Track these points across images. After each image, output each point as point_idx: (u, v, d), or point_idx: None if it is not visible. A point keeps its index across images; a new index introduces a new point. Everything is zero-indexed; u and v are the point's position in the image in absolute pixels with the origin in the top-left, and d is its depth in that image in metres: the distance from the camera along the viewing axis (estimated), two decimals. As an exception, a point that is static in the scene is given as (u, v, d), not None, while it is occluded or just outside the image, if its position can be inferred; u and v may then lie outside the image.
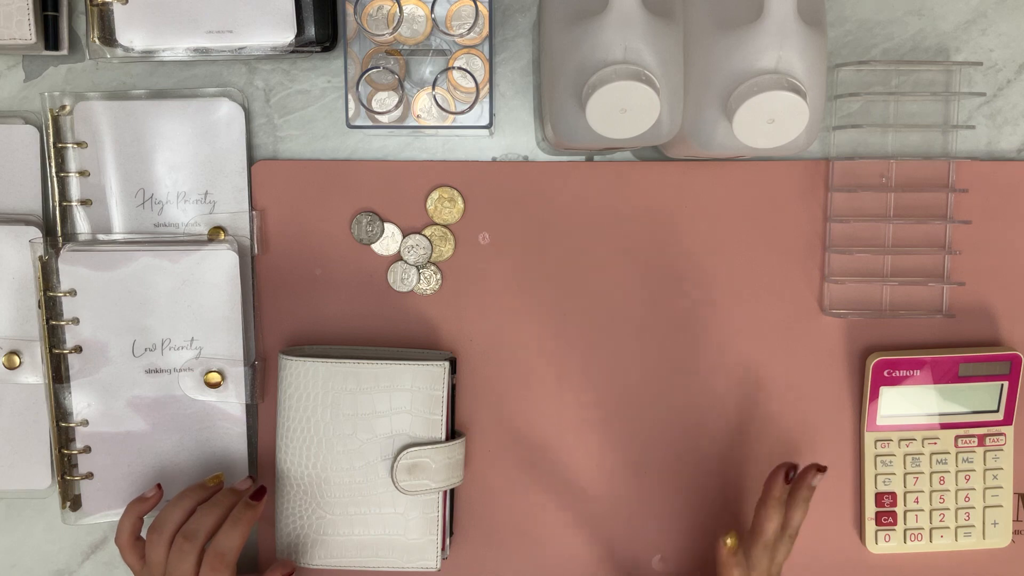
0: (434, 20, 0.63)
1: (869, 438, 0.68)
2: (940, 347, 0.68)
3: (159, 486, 0.65)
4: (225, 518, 0.61)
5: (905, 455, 0.68)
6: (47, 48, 0.66)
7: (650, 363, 0.69)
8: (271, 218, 0.68)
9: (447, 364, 0.65)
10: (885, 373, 0.67)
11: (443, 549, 0.66)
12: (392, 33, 0.63)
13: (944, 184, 0.68)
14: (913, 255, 0.68)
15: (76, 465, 0.67)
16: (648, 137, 0.56)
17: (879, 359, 0.67)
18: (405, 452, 0.64)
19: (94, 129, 0.66)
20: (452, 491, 0.67)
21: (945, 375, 0.67)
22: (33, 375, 0.67)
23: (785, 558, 0.63)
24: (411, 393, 0.64)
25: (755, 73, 0.53)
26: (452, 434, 0.66)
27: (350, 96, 0.64)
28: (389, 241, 0.68)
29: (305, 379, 0.64)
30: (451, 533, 0.68)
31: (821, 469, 0.63)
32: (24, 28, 0.64)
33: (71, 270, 0.65)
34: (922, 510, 0.68)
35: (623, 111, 0.53)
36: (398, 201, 0.68)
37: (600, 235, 0.68)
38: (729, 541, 0.62)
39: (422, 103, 0.65)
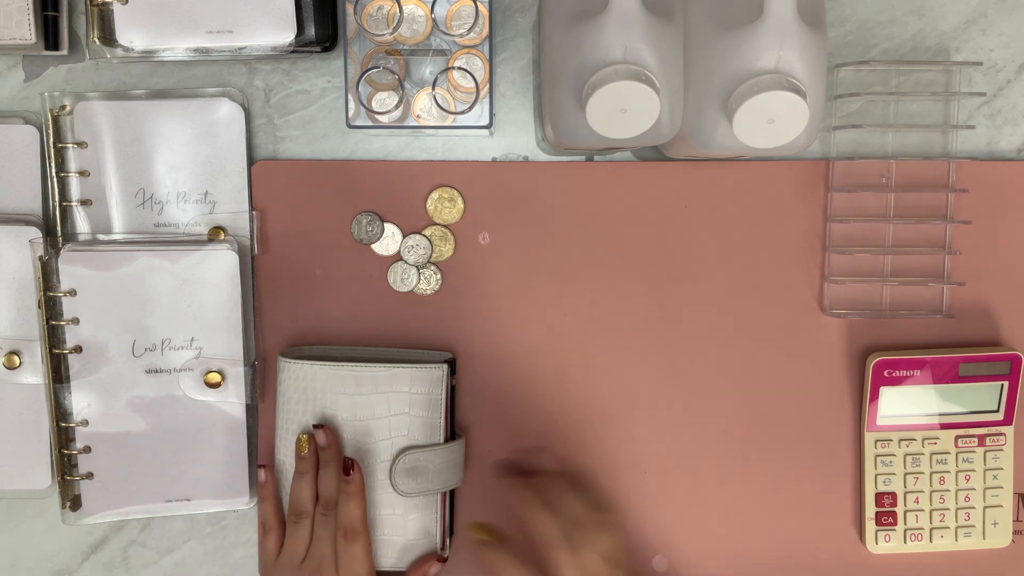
0: (434, 20, 0.63)
1: (869, 438, 0.68)
2: (940, 347, 0.68)
3: (266, 467, 0.66)
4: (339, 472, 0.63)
5: (905, 455, 0.68)
6: (47, 48, 0.66)
7: (650, 363, 0.69)
8: (271, 218, 0.68)
9: (446, 367, 0.65)
10: (885, 373, 0.67)
11: (443, 550, 0.66)
12: (392, 33, 0.63)
13: (944, 184, 0.68)
14: (913, 255, 0.68)
15: (76, 465, 0.67)
16: (648, 137, 0.56)
17: (879, 359, 0.67)
18: (403, 455, 0.64)
19: (94, 129, 0.66)
20: (452, 491, 0.67)
21: (945, 375, 0.67)
22: (33, 375, 0.67)
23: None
24: (410, 396, 0.64)
25: (755, 73, 0.53)
26: (452, 435, 0.66)
27: (350, 96, 0.64)
28: (389, 241, 0.68)
29: (304, 382, 0.64)
30: (451, 533, 0.68)
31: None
32: (24, 28, 0.64)
33: (71, 270, 0.65)
34: (922, 510, 0.68)
35: (623, 111, 0.53)
36: (398, 201, 0.68)
37: (600, 235, 0.68)
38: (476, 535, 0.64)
39: (422, 103, 0.65)
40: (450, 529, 0.67)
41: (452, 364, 0.66)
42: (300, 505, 0.63)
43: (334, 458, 0.63)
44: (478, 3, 0.63)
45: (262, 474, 0.66)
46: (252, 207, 0.68)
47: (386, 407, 0.64)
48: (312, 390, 0.64)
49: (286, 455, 0.65)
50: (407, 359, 0.65)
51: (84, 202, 0.67)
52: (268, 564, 0.64)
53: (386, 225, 0.68)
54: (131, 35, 0.64)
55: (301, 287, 0.68)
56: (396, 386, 0.64)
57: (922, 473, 0.68)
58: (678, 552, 0.69)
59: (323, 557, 0.62)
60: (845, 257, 0.68)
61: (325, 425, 0.64)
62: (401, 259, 0.68)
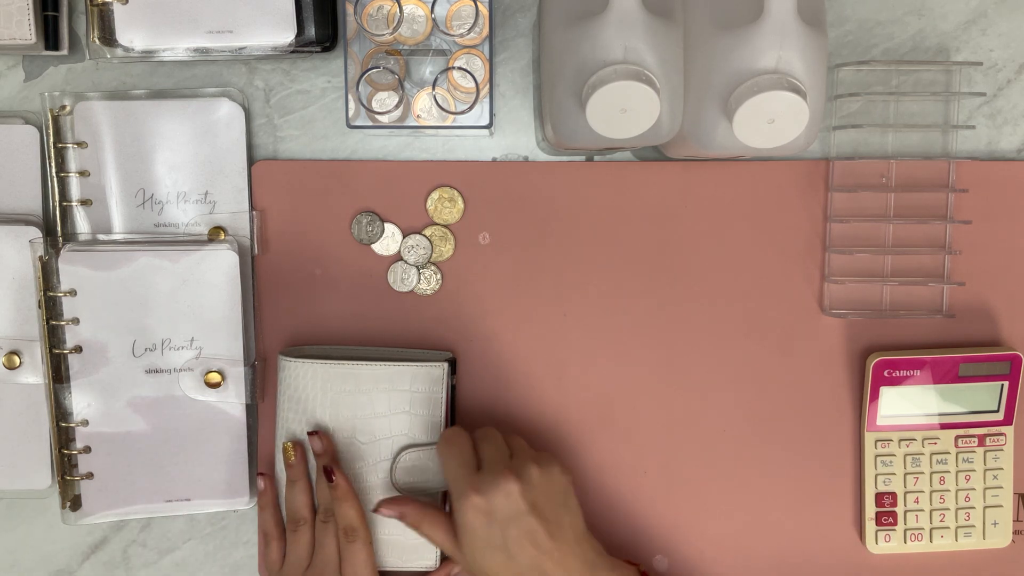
0: (434, 20, 0.63)
1: (869, 438, 0.68)
2: (940, 347, 0.68)
3: (265, 476, 0.67)
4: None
5: (905, 455, 0.68)
6: (47, 48, 0.66)
7: (649, 363, 0.69)
8: (271, 218, 0.68)
9: (446, 365, 0.65)
10: (885, 373, 0.67)
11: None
12: (392, 33, 0.63)
13: (944, 184, 0.68)
14: (913, 255, 0.68)
15: (76, 465, 0.67)
16: (648, 137, 0.56)
17: (879, 359, 0.67)
18: (404, 453, 0.64)
19: (94, 129, 0.66)
20: None
21: (945, 375, 0.67)
22: (33, 375, 0.67)
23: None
24: (410, 395, 0.64)
25: (755, 73, 0.53)
26: None
27: (350, 96, 0.64)
28: (389, 241, 0.68)
29: (304, 380, 0.64)
30: None
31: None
32: (24, 28, 0.64)
33: (71, 270, 0.65)
34: (922, 510, 0.68)
35: (623, 111, 0.53)
36: (398, 201, 0.68)
37: (600, 235, 0.68)
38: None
39: (422, 103, 0.65)
40: None
41: (452, 363, 0.66)
42: (296, 512, 0.64)
43: (328, 464, 0.63)
44: (478, 3, 0.63)
45: (261, 482, 0.66)
46: (252, 207, 0.68)
47: (387, 405, 0.64)
48: (313, 388, 0.64)
49: None
50: (408, 358, 0.65)
51: (84, 202, 0.67)
52: (273, 573, 0.64)
53: (386, 225, 0.68)
54: (131, 35, 0.64)
55: (301, 287, 0.68)
56: (397, 384, 0.64)
57: (922, 473, 0.68)
58: (678, 552, 0.69)
59: (326, 563, 0.62)
60: (845, 257, 0.68)
61: (319, 432, 0.64)
62: (401, 259, 0.68)
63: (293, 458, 0.64)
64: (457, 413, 0.68)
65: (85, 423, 0.67)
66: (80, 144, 0.66)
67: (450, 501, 0.61)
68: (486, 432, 0.63)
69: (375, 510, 0.63)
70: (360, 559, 0.62)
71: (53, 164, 0.66)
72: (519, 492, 0.58)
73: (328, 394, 0.64)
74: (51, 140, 0.66)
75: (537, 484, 0.58)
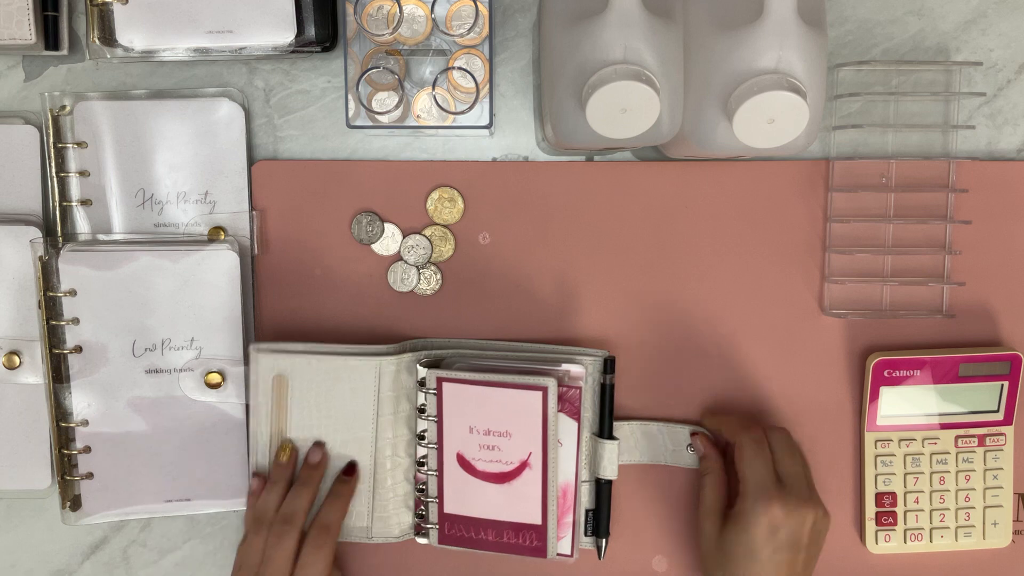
0: (434, 20, 0.63)
1: (869, 438, 0.68)
2: (940, 347, 0.68)
3: (259, 476, 0.66)
4: (314, 495, 0.64)
5: (905, 455, 0.68)
6: (47, 48, 0.66)
7: (650, 363, 0.69)
8: (271, 218, 0.68)
9: (600, 363, 0.66)
10: (885, 373, 0.67)
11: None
12: (392, 33, 0.63)
13: (944, 184, 0.68)
14: (913, 255, 0.68)
15: (76, 465, 0.67)
16: (648, 137, 0.56)
17: (879, 359, 0.67)
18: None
19: (94, 129, 0.66)
20: (608, 489, 0.67)
21: (945, 375, 0.67)
22: (33, 375, 0.67)
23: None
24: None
25: (755, 73, 0.53)
26: (610, 434, 0.66)
27: (350, 96, 0.64)
28: (389, 241, 0.68)
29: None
30: (605, 533, 0.67)
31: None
32: (24, 28, 0.64)
33: (71, 270, 0.65)
34: (922, 510, 0.68)
35: (623, 111, 0.53)
36: (398, 201, 0.68)
37: (600, 235, 0.68)
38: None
39: (422, 103, 0.65)
40: (595, 527, 0.67)
41: (610, 362, 0.66)
42: (266, 515, 0.63)
43: (316, 480, 0.64)
44: (478, 3, 0.63)
45: (254, 482, 0.66)
46: (252, 207, 0.68)
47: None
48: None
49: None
50: (558, 356, 0.65)
51: (84, 202, 0.67)
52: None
53: (386, 225, 0.68)
54: (131, 35, 0.64)
55: (301, 287, 0.68)
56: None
57: (922, 473, 0.68)
58: (678, 552, 0.69)
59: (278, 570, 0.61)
60: (845, 257, 0.68)
61: (323, 444, 0.65)
62: (401, 259, 0.68)
63: (286, 458, 0.65)
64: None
65: (85, 423, 0.67)
66: (80, 144, 0.66)
67: (741, 493, 0.61)
68: (789, 442, 0.63)
69: (698, 422, 0.66)
70: (320, 567, 0.61)
71: (53, 164, 0.66)
72: (809, 528, 0.60)
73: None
74: (51, 140, 0.66)
75: (817, 524, 0.60)
